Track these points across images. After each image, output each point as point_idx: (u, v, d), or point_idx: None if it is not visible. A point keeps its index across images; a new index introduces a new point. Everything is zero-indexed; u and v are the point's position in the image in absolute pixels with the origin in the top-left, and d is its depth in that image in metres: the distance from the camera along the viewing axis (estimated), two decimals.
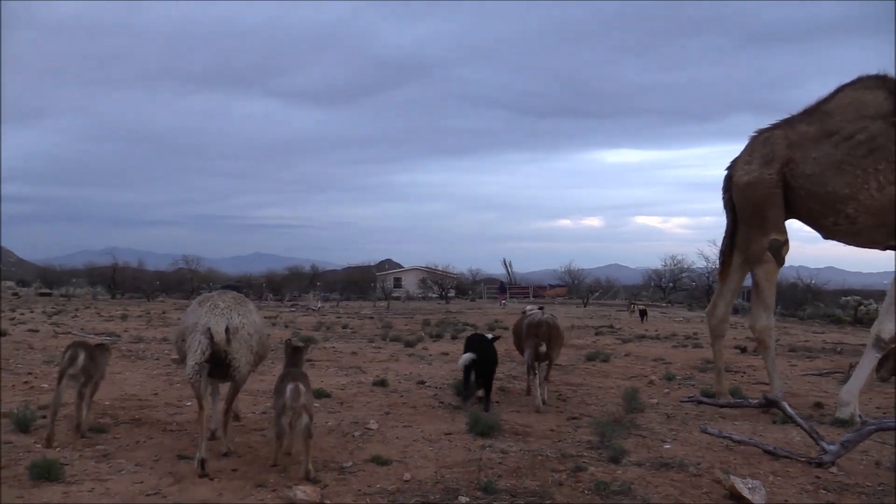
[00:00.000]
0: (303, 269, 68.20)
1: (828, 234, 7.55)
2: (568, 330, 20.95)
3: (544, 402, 7.97)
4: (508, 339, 17.56)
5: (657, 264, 54.86)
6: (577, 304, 43.03)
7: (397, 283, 62.04)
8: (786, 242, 7.67)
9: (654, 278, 54.23)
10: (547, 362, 8.24)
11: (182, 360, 5.04)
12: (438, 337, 17.30)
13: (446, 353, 13.62)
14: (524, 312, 9.29)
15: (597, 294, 50.86)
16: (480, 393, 7.92)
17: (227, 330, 4.87)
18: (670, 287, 52.25)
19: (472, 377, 7.79)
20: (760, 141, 7.91)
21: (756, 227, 7.73)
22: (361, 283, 61.14)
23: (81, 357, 6.00)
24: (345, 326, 20.85)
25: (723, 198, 8.27)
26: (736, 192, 7.98)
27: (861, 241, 7.45)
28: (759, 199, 7.68)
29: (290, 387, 4.76)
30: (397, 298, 51.26)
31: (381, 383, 9.31)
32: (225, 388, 5.60)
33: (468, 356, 7.82)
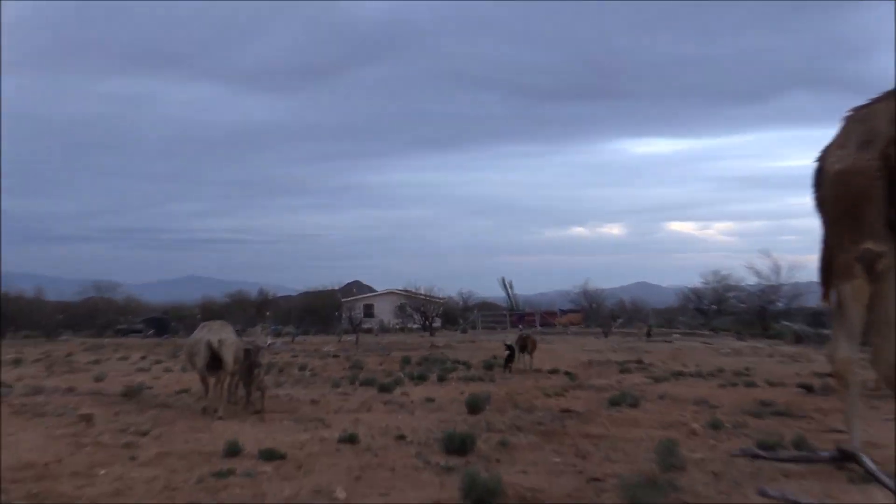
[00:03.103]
0: (248, 295, 67.95)
1: None
2: (585, 367, 20.99)
3: None
4: (511, 382, 17.61)
5: (696, 282, 55.27)
6: (595, 333, 43.16)
7: (368, 310, 61.88)
8: (883, 255, 7.02)
9: (693, 299, 54.61)
10: None
11: (192, 366, 12.68)
12: (421, 379, 17.24)
13: (432, 399, 13.55)
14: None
15: (620, 321, 51.05)
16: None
17: (219, 342, 11.89)
18: (713, 310, 52.61)
19: None
20: (857, 119, 7.33)
21: (847, 232, 7.09)
22: (323, 311, 60.94)
23: None
24: (302, 367, 20.74)
25: (814, 197, 7.65)
26: (826, 185, 7.26)
27: None
28: (852, 192, 6.99)
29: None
30: (369, 331, 51.04)
31: (350, 439, 9.24)
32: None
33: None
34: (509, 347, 20.87)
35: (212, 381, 12.32)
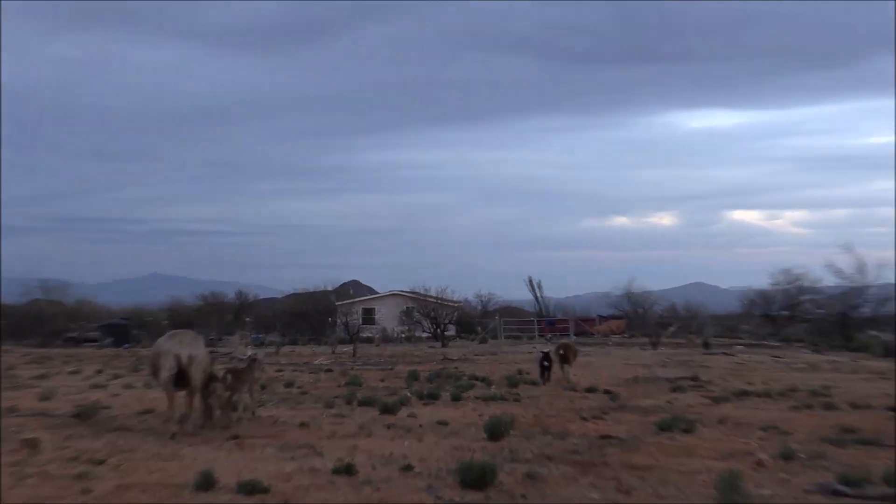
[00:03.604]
0: (224, 297, 68.26)
1: None
2: (629, 384, 20.95)
3: None
4: (539, 402, 17.57)
5: (763, 282, 54.99)
6: (641, 344, 43.07)
7: (368, 316, 62.05)
8: None
9: (759, 304, 54.38)
10: None
11: (155, 379, 13.23)
12: (432, 398, 17.26)
13: (444, 423, 13.55)
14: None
15: (672, 329, 50.92)
16: None
17: (189, 357, 12.36)
18: (784, 317, 52.36)
19: None
20: None
21: None
22: (314, 317, 61.11)
23: None
24: (290, 384, 20.79)
25: None
26: None
27: None
28: None
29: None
30: (369, 340, 51.13)
31: (346, 470, 9.25)
32: None
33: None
34: (546, 356, 21.25)
35: (185, 397, 12.88)
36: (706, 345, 38.22)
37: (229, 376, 13.81)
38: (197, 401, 13.09)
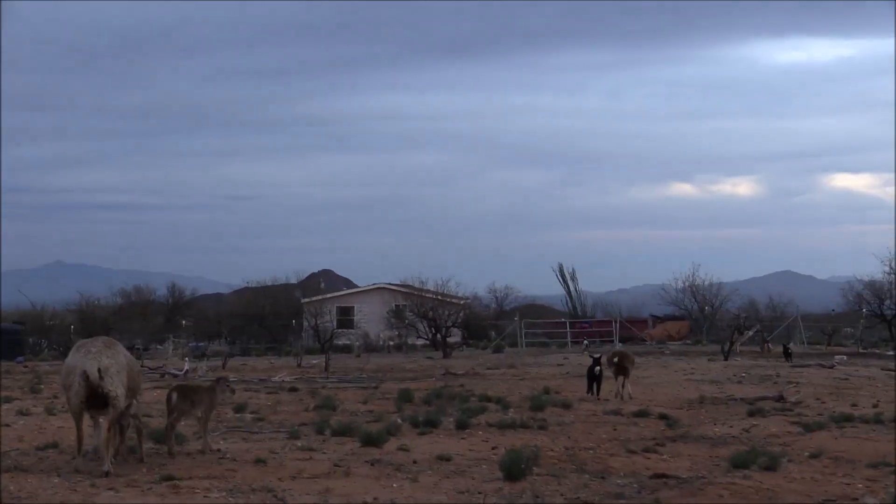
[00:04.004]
0: (152, 293, 68.36)
1: None
2: (692, 407, 21.01)
3: None
4: (572, 429, 17.63)
5: (874, 271, 55.02)
6: (709, 353, 43.08)
7: (346, 317, 62.12)
8: None
9: (869, 300, 54.36)
10: None
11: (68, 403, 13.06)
12: (430, 425, 17.31)
13: (447, 458, 13.62)
14: None
15: (750, 333, 50.98)
16: None
17: (98, 370, 12.21)
18: None
19: None
20: None
21: None
22: (272, 319, 61.20)
23: None
24: (241, 408, 20.84)
25: None
26: None
27: None
28: None
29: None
30: (346, 349, 51.15)
31: None
32: None
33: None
34: (597, 362, 22.62)
35: (100, 422, 12.84)
36: (787, 354, 38.14)
37: (175, 395, 14.07)
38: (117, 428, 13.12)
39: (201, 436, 14.52)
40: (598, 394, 22.37)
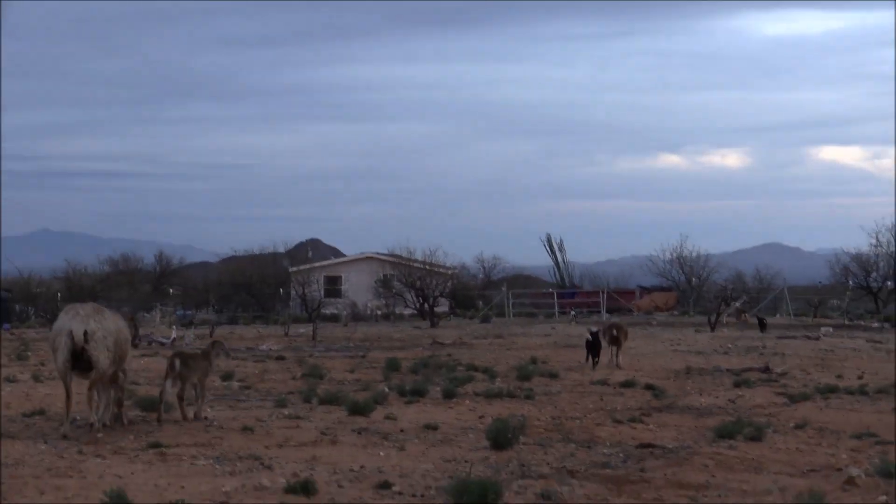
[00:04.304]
0: (139, 261, 68.19)
1: None
2: (678, 377, 21.08)
3: None
4: (559, 399, 17.66)
5: (861, 243, 55.15)
6: (696, 324, 43.19)
7: (333, 286, 62.10)
8: None
9: (856, 271, 54.49)
10: None
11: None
12: (417, 394, 17.35)
13: (433, 427, 13.65)
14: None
15: (739, 303, 51.14)
16: None
17: (84, 333, 12.66)
18: (889, 289, 52.50)
19: None
20: None
21: None
22: (259, 288, 61.12)
23: None
24: (228, 376, 20.84)
25: None
26: None
27: None
28: None
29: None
30: (333, 318, 51.15)
31: (304, 489, 9.31)
32: None
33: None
34: (594, 336, 23.45)
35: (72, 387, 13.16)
36: (762, 325, 38.41)
37: (177, 361, 14.18)
38: (105, 392, 13.42)
39: (191, 403, 14.54)
40: (596, 363, 23.02)
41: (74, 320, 12.89)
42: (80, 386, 13.18)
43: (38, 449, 11.80)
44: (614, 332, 23.80)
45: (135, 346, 17.38)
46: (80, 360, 12.76)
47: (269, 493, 9.36)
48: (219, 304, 59.33)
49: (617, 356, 23.46)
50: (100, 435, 12.57)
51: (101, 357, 12.78)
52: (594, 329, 24.25)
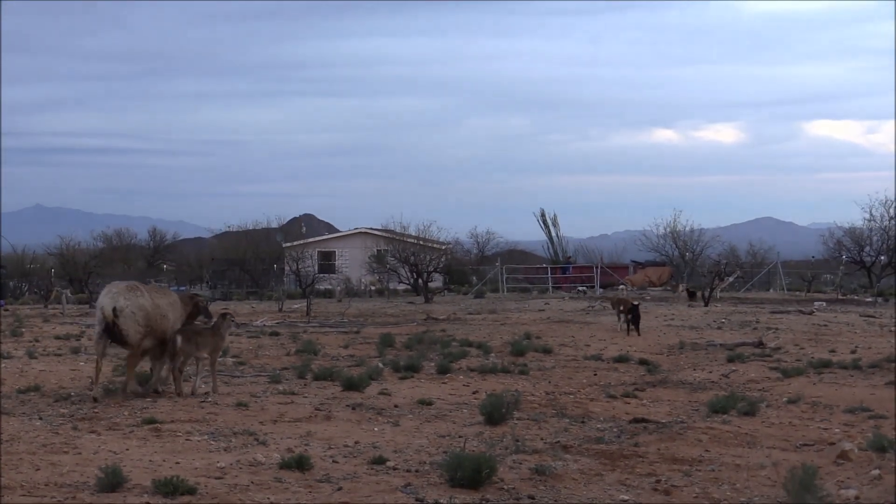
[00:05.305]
0: (133, 237, 68.13)
1: None
2: (671, 352, 21.12)
3: None
4: (553, 374, 17.71)
5: (854, 217, 55.17)
6: (689, 299, 43.20)
7: (327, 261, 62.07)
8: None
9: (849, 246, 54.53)
10: None
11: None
12: (411, 370, 17.38)
13: (428, 402, 13.71)
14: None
15: (733, 278, 51.18)
16: None
17: (114, 309, 13.99)
18: (883, 264, 52.56)
19: None
20: None
21: None
22: (253, 264, 61.06)
23: None
24: (223, 352, 20.85)
25: None
26: None
27: None
28: None
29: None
30: (327, 294, 51.17)
31: (298, 464, 9.35)
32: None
33: None
34: (635, 307, 25.83)
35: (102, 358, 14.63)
36: (691, 296, 40.91)
37: (179, 338, 14.45)
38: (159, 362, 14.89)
39: (188, 379, 14.95)
40: (637, 330, 25.10)
41: (106, 297, 14.35)
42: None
43: (33, 425, 11.82)
44: (621, 307, 26.67)
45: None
46: (112, 334, 14.14)
47: (264, 468, 9.41)
48: (212, 280, 59.27)
49: (628, 324, 25.45)
50: (150, 399, 14.00)
51: (132, 331, 14.12)
52: (636, 302, 26.45)
